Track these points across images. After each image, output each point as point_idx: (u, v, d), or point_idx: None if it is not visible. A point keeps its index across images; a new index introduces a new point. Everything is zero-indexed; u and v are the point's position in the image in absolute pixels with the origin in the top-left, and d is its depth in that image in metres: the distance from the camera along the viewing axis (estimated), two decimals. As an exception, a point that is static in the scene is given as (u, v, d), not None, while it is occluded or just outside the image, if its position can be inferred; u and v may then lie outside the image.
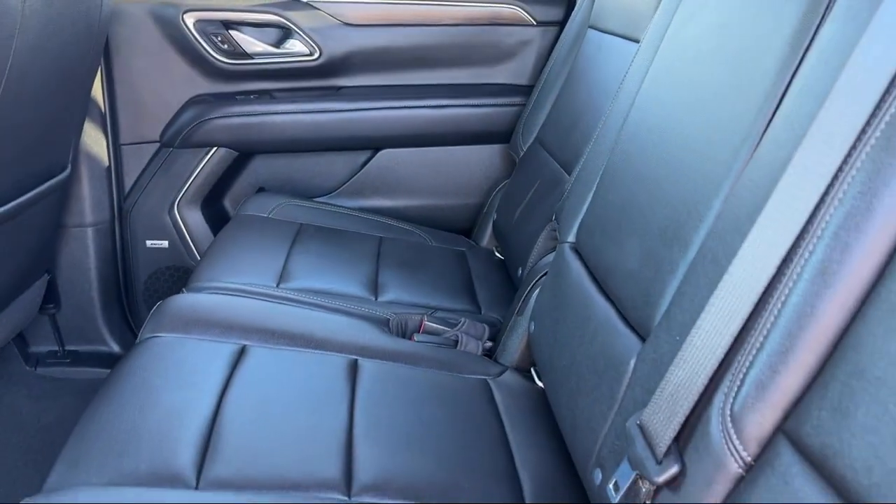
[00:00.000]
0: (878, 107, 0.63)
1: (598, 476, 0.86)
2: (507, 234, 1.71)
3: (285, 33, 1.93)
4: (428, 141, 2.01)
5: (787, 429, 0.63)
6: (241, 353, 1.17)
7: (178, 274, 2.03)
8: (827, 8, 0.76)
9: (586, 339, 1.02)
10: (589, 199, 1.20)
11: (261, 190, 2.03)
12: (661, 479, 0.72)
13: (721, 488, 0.67)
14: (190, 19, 1.86)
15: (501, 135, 2.01)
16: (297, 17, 1.91)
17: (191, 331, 1.21)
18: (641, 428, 0.77)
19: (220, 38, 1.89)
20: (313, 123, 1.96)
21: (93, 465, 0.88)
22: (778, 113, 0.77)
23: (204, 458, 0.92)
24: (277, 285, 1.44)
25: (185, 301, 1.28)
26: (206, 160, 1.96)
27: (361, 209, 2.00)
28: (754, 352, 0.68)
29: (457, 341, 1.35)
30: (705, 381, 0.71)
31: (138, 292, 2.05)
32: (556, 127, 1.65)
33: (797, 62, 0.77)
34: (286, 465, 0.92)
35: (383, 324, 1.37)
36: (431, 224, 2.00)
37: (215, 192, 2.02)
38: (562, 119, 1.63)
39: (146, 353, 1.13)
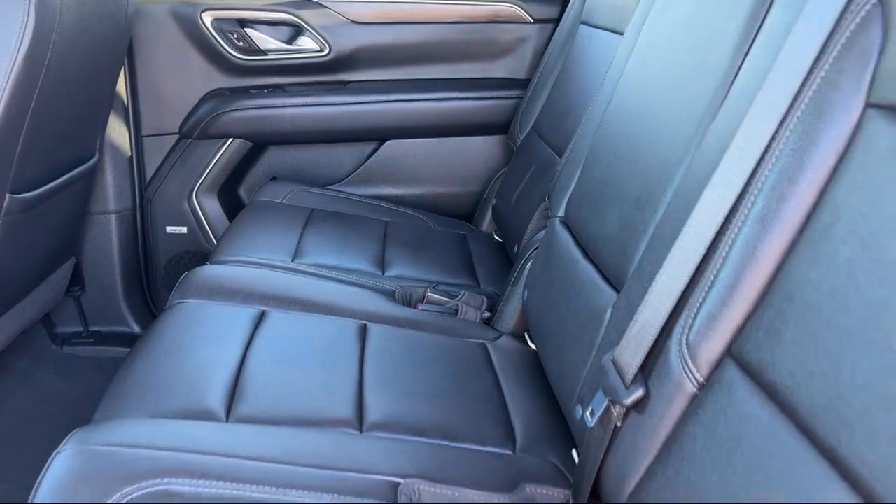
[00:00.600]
0: (806, 79, 0.75)
1: (578, 411, 0.97)
2: (505, 217, 1.83)
3: (297, 31, 2.05)
4: (431, 132, 2.14)
5: (732, 351, 0.75)
6: (262, 316, 1.29)
7: (197, 258, 2.15)
8: (772, -1, 0.88)
9: (572, 299, 1.13)
10: (577, 177, 1.32)
11: (274, 179, 2.15)
12: (629, 401, 0.83)
13: (679, 405, 0.79)
14: (208, 18, 1.99)
15: (500, 126, 2.13)
16: (308, 16, 2.03)
17: (215, 297, 1.33)
18: (614, 362, 0.89)
19: (235, 36, 2.01)
20: (323, 116, 2.09)
21: (133, 404, 1.00)
22: (731, 90, 0.89)
23: (232, 399, 1.04)
24: (292, 260, 1.56)
25: (209, 272, 1.40)
26: (222, 150, 2.08)
27: (368, 197, 2.12)
28: (706, 289, 0.80)
29: (457, 310, 1.47)
30: (666, 317, 0.83)
31: (158, 276, 2.18)
32: (551, 116, 1.77)
33: (748, 46, 0.89)
34: (305, 407, 1.04)
35: (390, 295, 1.49)
36: (434, 210, 2.12)
37: (231, 180, 2.15)
38: (555, 109, 1.75)
39: (176, 315, 1.26)
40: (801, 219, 0.73)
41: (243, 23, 2.02)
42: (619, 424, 0.87)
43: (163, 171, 2.10)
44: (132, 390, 1.03)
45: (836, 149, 0.71)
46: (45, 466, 0.86)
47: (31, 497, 0.83)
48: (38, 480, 0.85)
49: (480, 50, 2.12)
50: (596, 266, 1.11)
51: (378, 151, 2.16)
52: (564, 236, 1.27)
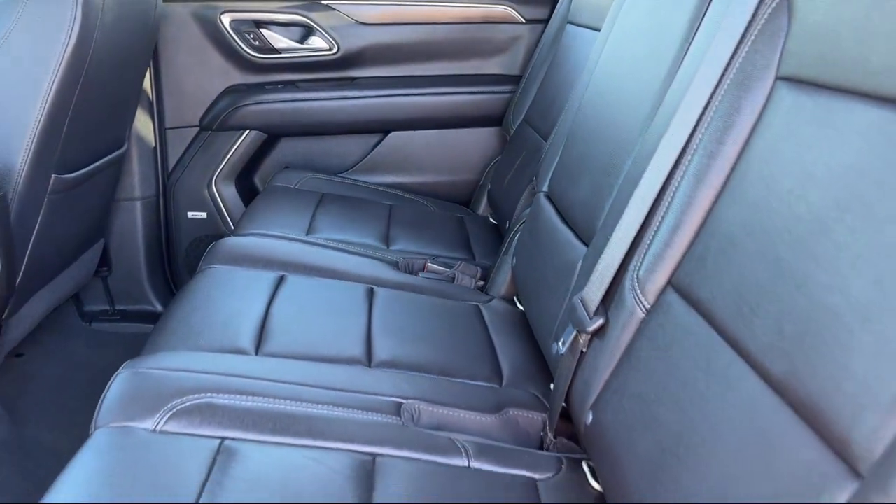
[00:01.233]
0: (731, 59, 0.92)
1: (554, 347, 1.14)
2: (499, 199, 2.00)
3: (308, 31, 2.23)
4: (431, 124, 2.31)
5: (672, 281, 0.92)
6: (281, 279, 1.46)
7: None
8: (713, -6, 1.05)
9: (551, 258, 1.31)
10: (559, 156, 1.49)
11: (287, 167, 2.33)
12: (592, 328, 1.00)
13: (631, 329, 0.96)
14: (226, 19, 2.17)
15: (495, 118, 2.30)
16: (318, 17, 2.21)
17: (240, 264, 1.51)
18: (581, 300, 1.06)
19: (252, 36, 2.19)
20: (332, 109, 2.27)
21: (174, 342, 1.18)
22: (678, 72, 1.06)
23: (259, 339, 1.21)
24: (306, 234, 1.73)
25: (234, 242, 1.58)
26: (239, 142, 2.26)
27: (374, 184, 2.30)
28: (653, 234, 0.97)
29: (454, 278, 1.64)
30: (621, 259, 1.00)
31: (180, 258, 2.35)
32: (540, 107, 1.95)
33: (693, 34, 1.06)
34: (322, 347, 1.22)
35: (394, 265, 1.66)
36: (435, 196, 2.29)
37: (247, 169, 2.33)
38: (544, 100, 1.93)
39: (206, 278, 1.43)
40: (727, 172, 0.90)
41: (259, 24, 2.20)
42: (584, 350, 1.04)
43: (184, 161, 2.27)
44: (172, 333, 1.21)
45: (752, 114, 0.88)
46: (106, 387, 1.03)
47: (96, 411, 1.00)
48: (101, 398, 1.02)
49: (476, 48, 2.30)
50: (571, 228, 1.28)
51: (383, 142, 2.33)
52: (547, 207, 1.44)
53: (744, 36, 0.92)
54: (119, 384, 1.02)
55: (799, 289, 0.68)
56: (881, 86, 0.68)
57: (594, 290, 1.04)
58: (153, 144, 2.23)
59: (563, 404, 1.09)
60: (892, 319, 0.57)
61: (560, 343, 1.08)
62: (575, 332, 1.05)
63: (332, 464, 0.93)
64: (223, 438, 0.95)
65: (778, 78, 0.86)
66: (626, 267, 1.00)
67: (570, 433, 1.10)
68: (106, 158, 1.87)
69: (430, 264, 1.68)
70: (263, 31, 2.20)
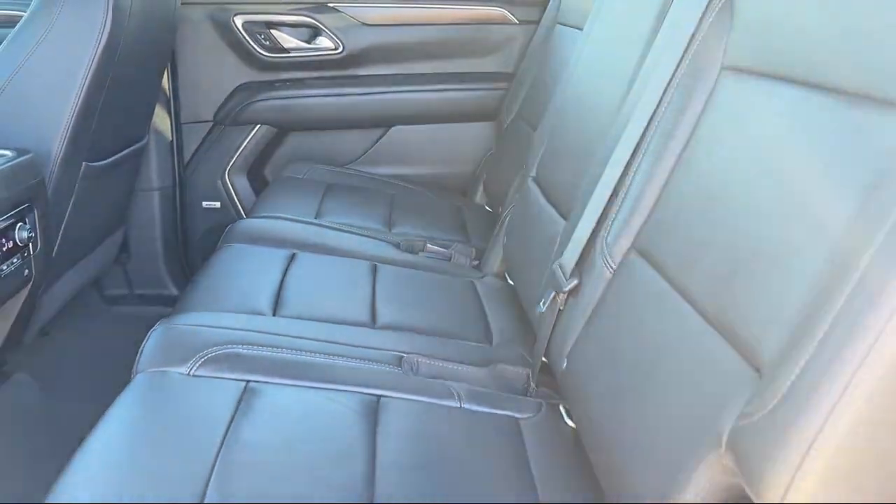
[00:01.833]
0: (685, 52, 1.07)
1: (537, 308, 1.29)
2: (493, 188, 2.15)
3: (315, 32, 2.38)
4: (431, 119, 2.46)
5: (634, 244, 1.07)
6: (293, 257, 1.61)
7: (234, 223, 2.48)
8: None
9: (537, 234, 1.45)
10: (545, 144, 1.64)
11: (295, 160, 2.48)
12: (567, 288, 1.15)
13: (600, 288, 1.10)
14: (239, 21, 2.32)
15: (490, 113, 2.45)
16: (325, 19, 2.36)
17: (255, 242, 1.66)
18: (560, 266, 1.21)
19: (263, 36, 2.35)
20: (338, 105, 2.42)
21: (199, 305, 1.33)
22: (643, 66, 1.20)
23: (276, 304, 1.37)
24: (315, 218, 1.88)
25: (249, 223, 1.73)
26: (251, 136, 2.42)
27: (377, 175, 2.45)
28: (619, 206, 1.12)
29: (451, 257, 1.79)
30: (592, 228, 1.15)
31: (195, 245, 2.50)
32: (531, 102, 2.09)
33: (658, 30, 1.21)
34: (331, 310, 1.37)
35: (395, 245, 1.81)
36: (434, 186, 2.45)
37: (258, 162, 2.48)
38: (535, 96, 2.07)
39: (226, 254, 1.58)
40: (680, 150, 1.05)
41: (269, 25, 2.35)
42: (561, 308, 1.19)
43: (200, 154, 2.43)
44: (199, 298, 1.36)
45: (701, 100, 1.03)
46: (143, 342, 1.18)
47: (136, 361, 1.15)
48: (138, 351, 1.17)
49: (473, 47, 2.45)
50: (553, 206, 1.43)
51: (385, 136, 2.48)
52: (535, 190, 1.59)
53: (695, 33, 1.07)
54: (155, 337, 1.17)
55: (729, 240, 0.83)
56: (795, 71, 0.83)
57: (570, 257, 1.19)
58: (170, 138, 2.38)
59: (544, 358, 1.24)
60: (797, 259, 0.72)
61: (541, 303, 1.23)
62: (553, 293, 1.20)
63: (343, 402, 1.08)
64: (248, 381, 1.10)
65: (723, 68, 1.00)
66: (596, 235, 1.15)
67: (550, 384, 1.25)
68: (130, 149, 2.02)
69: (429, 245, 1.82)
70: (274, 31, 2.35)
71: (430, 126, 2.47)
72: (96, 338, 2.30)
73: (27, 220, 1.48)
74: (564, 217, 1.36)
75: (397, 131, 2.48)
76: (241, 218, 2.42)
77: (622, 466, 0.86)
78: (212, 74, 2.38)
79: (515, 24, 2.44)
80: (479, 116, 2.47)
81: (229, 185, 2.44)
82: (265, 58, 2.37)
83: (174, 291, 2.46)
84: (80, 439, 0.98)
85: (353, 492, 0.89)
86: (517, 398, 1.20)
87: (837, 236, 0.67)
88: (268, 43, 2.35)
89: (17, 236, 1.44)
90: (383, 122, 2.47)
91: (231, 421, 1.00)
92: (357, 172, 2.40)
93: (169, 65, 2.34)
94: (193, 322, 1.22)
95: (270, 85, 2.41)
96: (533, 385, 1.24)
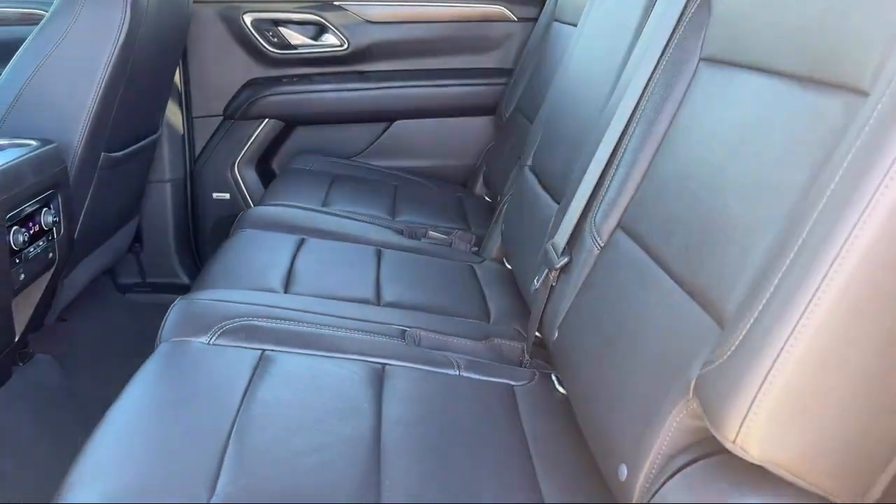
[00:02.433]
0: (667, 44, 1.16)
1: (531, 286, 1.38)
2: (493, 178, 2.24)
3: (321, 29, 2.47)
4: (433, 113, 2.55)
5: (620, 223, 1.16)
6: (302, 242, 1.70)
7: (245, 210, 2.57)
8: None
9: (532, 218, 1.54)
10: (540, 134, 1.72)
11: (302, 153, 2.57)
12: (559, 265, 1.24)
13: (589, 264, 1.19)
14: (248, 18, 2.42)
15: (490, 107, 2.54)
16: (330, 16, 2.45)
17: (266, 228, 1.75)
18: (552, 246, 1.30)
19: (271, 33, 2.44)
20: (343, 100, 2.51)
21: (216, 283, 1.42)
22: (630, 59, 1.29)
23: (287, 283, 1.46)
24: (322, 206, 1.98)
25: (260, 210, 1.82)
26: (259, 129, 2.51)
27: (380, 167, 2.54)
28: (606, 188, 1.20)
29: (451, 243, 1.88)
30: (582, 209, 1.24)
31: (205, 235, 2.59)
32: (529, 96, 2.18)
33: (644, 22, 1.29)
34: (338, 289, 1.46)
35: (399, 232, 1.90)
36: (435, 178, 2.53)
37: (266, 154, 2.57)
38: (533, 90, 2.16)
39: (239, 239, 1.67)
40: (661, 135, 1.13)
41: (277, 23, 2.45)
42: (553, 284, 1.27)
43: (210, 147, 2.52)
44: (215, 277, 1.45)
45: (681, 89, 1.12)
46: (165, 315, 1.27)
47: (159, 331, 1.24)
48: (161, 324, 1.26)
49: (473, 44, 2.54)
50: (548, 192, 1.52)
51: (389, 129, 2.58)
52: (531, 178, 1.67)
53: (676, 26, 1.15)
54: (177, 311, 1.27)
55: (700, 214, 0.92)
56: (761, 61, 0.92)
57: (561, 237, 1.27)
58: (182, 132, 2.47)
59: (538, 333, 1.33)
60: (757, 228, 0.81)
61: (535, 280, 1.32)
62: (546, 271, 1.29)
63: (351, 368, 1.17)
64: (263, 350, 1.19)
65: (701, 59, 1.09)
66: (586, 216, 1.24)
67: (543, 356, 1.33)
68: (144, 141, 2.11)
69: (430, 232, 1.91)
70: (281, 29, 2.45)
71: (432, 120, 2.57)
72: (111, 324, 2.39)
73: (52, 206, 1.57)
74: (557, 201, 1.45)
75: (400, 125, 2.57)
76: (250, 208, 2.52)
77: (604, 421, 0.95)
78: (222, 70, 2.47)
79: (514, 21, 2.53)
80: (479, 111, 2.56)
81: (238, 177, 2.53)
82: (273, 54, 2.46)
83: (185, 280, 2.55)
84: (100, 411, 1.04)
85: (362, 442, 0.98)
86: (512, 368, 1.28)
87: (791, 206, 0.75)
88: (276, 40, 2.44)
89: (42, 220, 1.53)
90: (387, 116, 2.57)
91: (249, 383, 1.09)
92: (362, 165, 2.49)
93: (181, 61, 2.43)
94: (211, 297, 1.31)
95: (278, 80, 2.50)
96: (527, 357, 1.33)
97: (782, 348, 0.67)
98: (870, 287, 0.65)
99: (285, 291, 1.42)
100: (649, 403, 0.85)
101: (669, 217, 1.00)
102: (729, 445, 0.70)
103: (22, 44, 1.65)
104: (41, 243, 1.55)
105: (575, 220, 1.25)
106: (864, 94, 0.71)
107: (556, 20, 2.18)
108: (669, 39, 1.16)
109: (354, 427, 1.01)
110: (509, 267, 1.78)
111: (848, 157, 0.67)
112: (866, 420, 0.70)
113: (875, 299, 0.65)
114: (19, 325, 1.63)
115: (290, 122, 2.56)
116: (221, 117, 2.52)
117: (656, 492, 0.78)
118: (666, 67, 1.16)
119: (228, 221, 2.56)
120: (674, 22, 1.16)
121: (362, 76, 2.54)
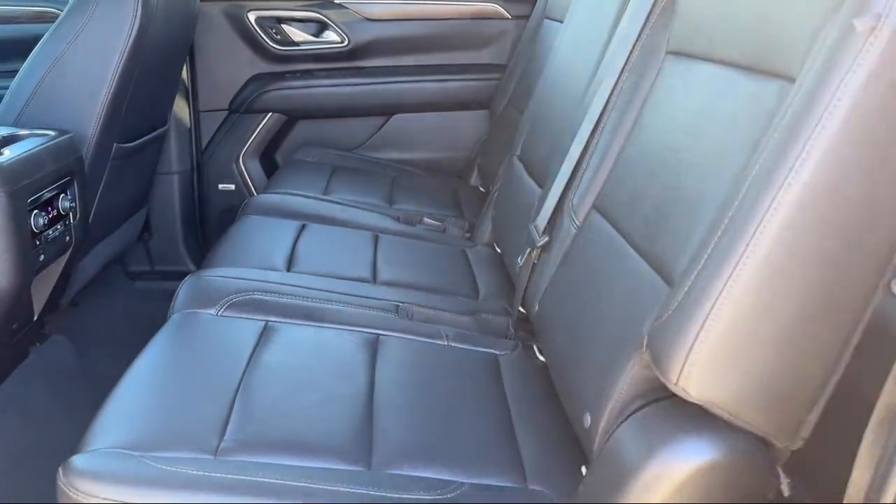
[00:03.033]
0: (637, 39, 1.26)
1: (515, 264, 1.48)
2: (486, 170, 2.34)
3: (322, 26, 2.57)
4: (430, 107, 2.65)
5: (595, 204, 1.26)
6: (303, 227, 1.80)
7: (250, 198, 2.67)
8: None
9: (519, 203, 1.64)
10: (528, 126, 1.83)
11: (304, 145, 2.67)
12: (540, 244, 1.34)
13: (567, 242, 1.30)
14: (252, 16, 2.52)
15: (484, 102, 2.64)
16: (331, 14, 2.56)
17: (270, 214, 1.86)
18: (535, 227, 1.40)
19: (274, 31, 2.55)
20: (343, 94, 2.62)
21: (224, 262, 1.52)
22: (606, 52, 1.39)
23: (289, 262, 1.56)
24: (323, 194, 2.08)
25: (264, 198, 1.93)
26: (263, 123, 2.61)
27: (379, 159, 2.64)
28: (583, 171, 1.31)
29: (445, 229, 1.99)
30: (561, 192, 1.34)
31: (211, 224, 2.70)
32: (520, 91, 2.28)
33: (620, 17, 1.39)
34: (337, 268, 1.57)
35: (395, 219, 2.00)
36: (432, 170, 2.64)
37: (269, 147, 2.67)
38: (524, 85, 2.26)
39: (244, 224, 1.78)
40: (631, 124, 1.24)
41: (280, 20, 2.55)
42: (535, 262, 1.38)
43: (216, 140, 2.63)
44: (223, 256, 1.56)
45: (650, 81, 1.22)
46: (177, 289, 1.38)
47: (171, 305, 1.35)
48: (173, 297, 1.37)
49: (469, 41, 2.64)
50: (534, 180, 1.62)
51: (387, 123, 2.68)
52: (519, 167, 1.78)
53: (646, 22, 1.26)
54: (187, 286, 1.37)
55: (658, 192, 1.02)
56: (714, 52, 1.02)
57: (542, 218, 1.38)
58: (188, 125, 2.58)
59: (521, 309, 1.43)
60: (705, 200, 0.91)
61: (519, 259, 1.42)
62: (529, 250, 1.39)
63: (348, 337, 1.27)
64: (267, 321, 1.29)
65: (667, 52, 1.19)
66: (564, 199, 1.35)
67: (527, 329, 1.44)
68: (153, 133, 2.21)
69: (425, 219, 2.02)
70: (284, 26, 2.55)
71: (429, 114, 2.67)
72: (121, 310, 2.49)
73: (68, 192, 1.68)
74: (541, 187, 1.55)
75: (399, 119, 2.68)
76: (254, 196, 2.62)
77: (573, 377, 1.06)
78: (227, 66, 2.58)
79: (508, 18, 2.63)
80: (474, 105, 2.67)
81: (243, 169, 2.63)
82: (276, 51, 2.57)
83: (192, 268, 2.64)
84: (111, 388, 1.11)
85: (357, 400, 1.09)
86: (497, 339, 1.39)
87: (731, 181, 0.85)
88: (279, 37, 2.55)
89: (60, 205, 1.63)
90: (386, 110, 2.67)
91: (254, 349, 1.19)
92: (361, 157, 2.60)
93: (188, 57, 2.54)
94: (219, 274, 1.41)
95: (281, 76, 2.61)
96: (512, 331, 1.43)
97: (715, 303, 0.78)
98: (790, 249, 0.75)
99: (288, 270, 1.53)
100: (610, 358, 0.95)
101: (634, 195, 1.10)
102: (672, 387, 0.81)
103: (36, 41, 1.75)
104: (59, 227, 1.65)
105: (555, 203, 1.35)
106: (793, 80, 0.81)
107: (546, 17, 2.28)
108: (640, 34, 1.26)
109: (350, 386, 1.11)
110: (499, 251, 1.88)
111: (774, 136, 0.78)
112: (792, 365, 0.80)
113: (795, 260, 0.76)
114: (38, 304, 1.74)
115: (293, 116, 2.66)
116: (227, 111, 2.63)
117: (612, 434, 0.88)
118: (637, 61, 1.26)
119: (234, 211, 2.67)
120: (642, 18, 1.26)
121: (362, 72, 2.64)
